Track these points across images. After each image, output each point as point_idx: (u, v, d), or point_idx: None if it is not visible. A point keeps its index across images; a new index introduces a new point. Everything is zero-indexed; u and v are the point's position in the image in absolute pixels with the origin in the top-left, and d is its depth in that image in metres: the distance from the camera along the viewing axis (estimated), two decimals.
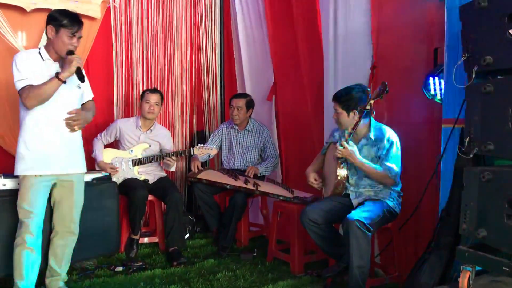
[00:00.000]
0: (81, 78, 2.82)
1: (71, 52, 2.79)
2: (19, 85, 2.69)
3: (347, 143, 2.99)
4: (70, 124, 2.84)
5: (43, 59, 2.79)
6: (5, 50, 3.72)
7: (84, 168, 3.02)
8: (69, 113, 2.84)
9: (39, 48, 2.84)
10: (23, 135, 2.78)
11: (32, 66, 2.73)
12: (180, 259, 3.64)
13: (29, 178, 2.74)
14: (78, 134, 2.95)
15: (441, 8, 2.85)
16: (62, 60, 2.82)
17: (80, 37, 2.82)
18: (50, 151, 2.79)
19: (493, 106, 2.03)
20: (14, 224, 2.81)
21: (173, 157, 3.93)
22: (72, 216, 2.94)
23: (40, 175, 2.76)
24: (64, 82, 2.73)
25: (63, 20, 2.72)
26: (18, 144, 2.80)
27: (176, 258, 3.65)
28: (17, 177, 2.83)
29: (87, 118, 2.96)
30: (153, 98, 4.03)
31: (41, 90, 2.68)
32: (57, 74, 2.73)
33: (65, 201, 2.90)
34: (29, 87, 2.68)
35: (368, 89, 3.09)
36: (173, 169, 4.10)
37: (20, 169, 2.76)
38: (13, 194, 2.85)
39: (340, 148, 3.00)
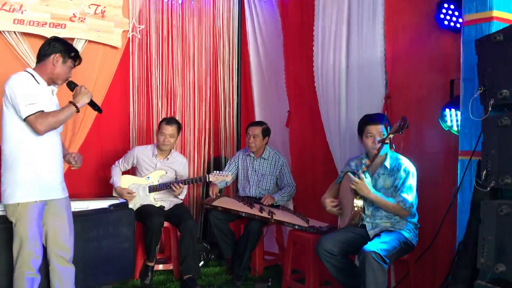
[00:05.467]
0: (98, 109, 3.01)
1: (73, 83, 2.94)
2: (29, 110, 2.65)
3: (364, 175, 2.99)
4: (75, 165, 2.99)
5: (38, 82, 2.80)
6: None
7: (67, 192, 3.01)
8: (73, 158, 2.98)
9: (28, 72, 2.80)
10: (21, 161, 2.71)
11: (34, 90, 2.74)
12: None
13: (28, 205, 2.69)
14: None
15: (456, 40, 2.88)
16: (54, 84, 2.91)
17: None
18: (50, 175, 2.81)
19: (510, 139, 2.03)
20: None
21: (181, 185, 3.95)
22: (68, 243, 2.91)
23: (40, 201, 2.75)
24: (78, 111, 2.85)
25: (72, 52, 2.90)
26: (11, 170, 2.71)
27: (191, 287, 3.64)
28: None
29: None
30: (168, 130, 4.04)
31: (58, 118, 2.75)
32: (73, 103, 2.81)
33: (60, 230, 2.87)
34: (41, 113, 2.69)
35: (388, 121, 3.11)
36: (181, 196, 4.10)
37: (18, 196, 2.68)
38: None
39: (356, 179, 3.00)
